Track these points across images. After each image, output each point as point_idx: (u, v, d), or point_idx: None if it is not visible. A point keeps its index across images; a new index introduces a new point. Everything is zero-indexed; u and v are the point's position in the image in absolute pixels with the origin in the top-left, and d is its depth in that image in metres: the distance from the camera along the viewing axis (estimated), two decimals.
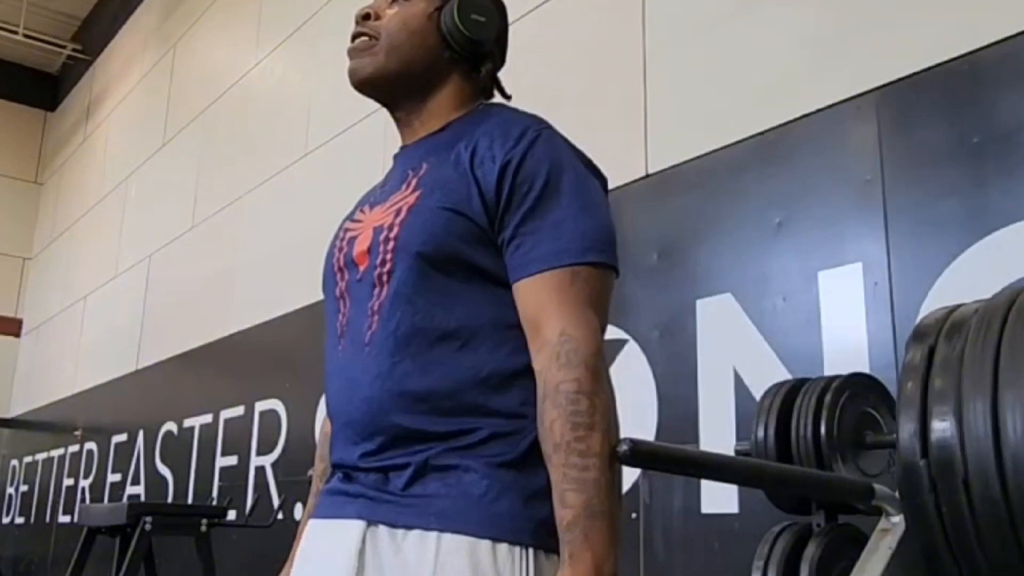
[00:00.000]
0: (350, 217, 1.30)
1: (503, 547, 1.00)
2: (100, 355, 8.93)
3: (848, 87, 2.88)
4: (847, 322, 2.72)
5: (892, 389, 2.09)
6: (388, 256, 1.13)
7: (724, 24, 3.38)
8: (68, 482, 9.06)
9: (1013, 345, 1.22)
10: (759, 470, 1.68)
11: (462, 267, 1.11)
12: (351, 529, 1.06)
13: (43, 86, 12.62)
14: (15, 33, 11.04)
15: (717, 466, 1.42)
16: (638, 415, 3.19)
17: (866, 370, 2.47)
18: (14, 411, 11.41)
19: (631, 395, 3.20)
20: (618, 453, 0.98)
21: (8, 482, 11.21)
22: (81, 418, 9.06)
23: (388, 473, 1.08)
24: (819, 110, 2.96)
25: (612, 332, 3.31)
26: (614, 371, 3.62)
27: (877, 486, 1.47)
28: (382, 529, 1.04)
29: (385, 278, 1.12)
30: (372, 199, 1.29)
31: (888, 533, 1.44)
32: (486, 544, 1.00)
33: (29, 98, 12.55)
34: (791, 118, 3.03)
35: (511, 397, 1.08)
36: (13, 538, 10.53)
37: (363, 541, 1.04)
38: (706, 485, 2.98)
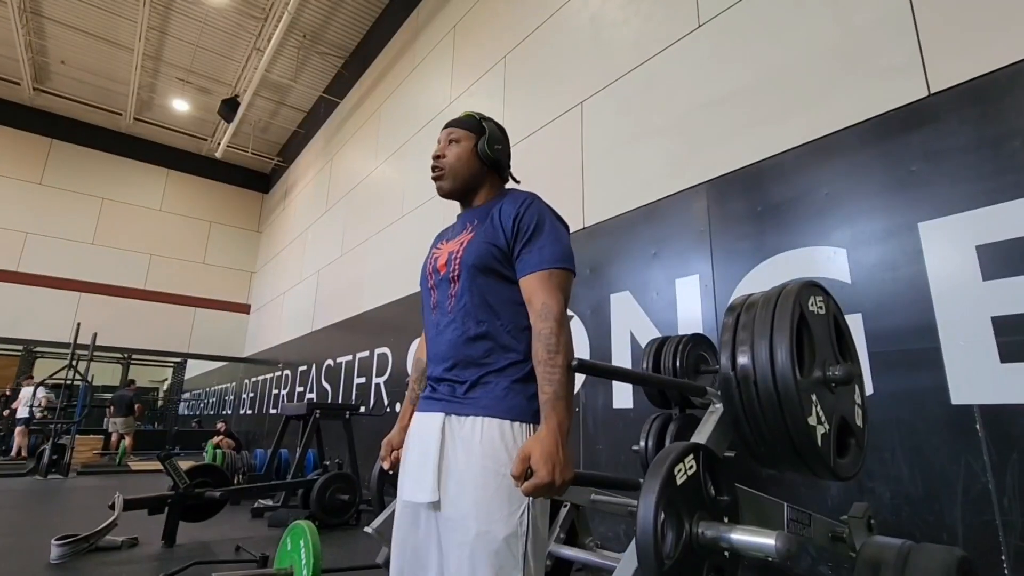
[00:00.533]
0: (434, 246, 1.31)
1: (516, 424, 1.05)
2: (292, 323, 8.94)
3: (691, 181, 2.93)
4: (690, 306, 2.77)
5: (714, 342, 2.10)
6: (456, 267, 1.16)
7: (624, 146, 3.40)
8: (275, 391, 9.08)
9: (780, 315, 1.24)
10: (646, 377, 1.70)
11: (494, 272, 1.13)
12: (437, 418, 1.11)
13: (261, 180, 12.56)
14: (246, 151, 11.04)
15: (623, 374, 1.45)
16: (580, 356, 3.20)
17: (701, 331, 2.49)
18: (247, 353, 11.41)
19: (576, 345, 3.22)
20: (572, 365, 1.01)
21: (243, 391, 11.21)
22: (281, 357, 9.07)
23: (455, 385, 1.11)
24: (676, 193, 3.01)
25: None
26: None
27: (708, 387, 1.48)
28: (453, 417, 1.09)
29: (455, 278, 1.16)
30: (446, 237, 1.29)
31: (714, 413, 1.45)
32: (506, 422, 1.05)
33: (254, 186, 12.49)
34: (660, 197, 3.09)
35: (521, 343, 1.10)
36: (245, 421, 10.53)
37: (443, 423, 1.09)
38: (616, 392, 3.01)
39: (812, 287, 1.36)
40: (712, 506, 1.05)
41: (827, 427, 1.21)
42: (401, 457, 1.23)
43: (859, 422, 1.36)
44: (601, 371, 1.21)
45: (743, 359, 1.25)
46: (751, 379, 1.22)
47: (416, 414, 1.20)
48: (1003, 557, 1.59)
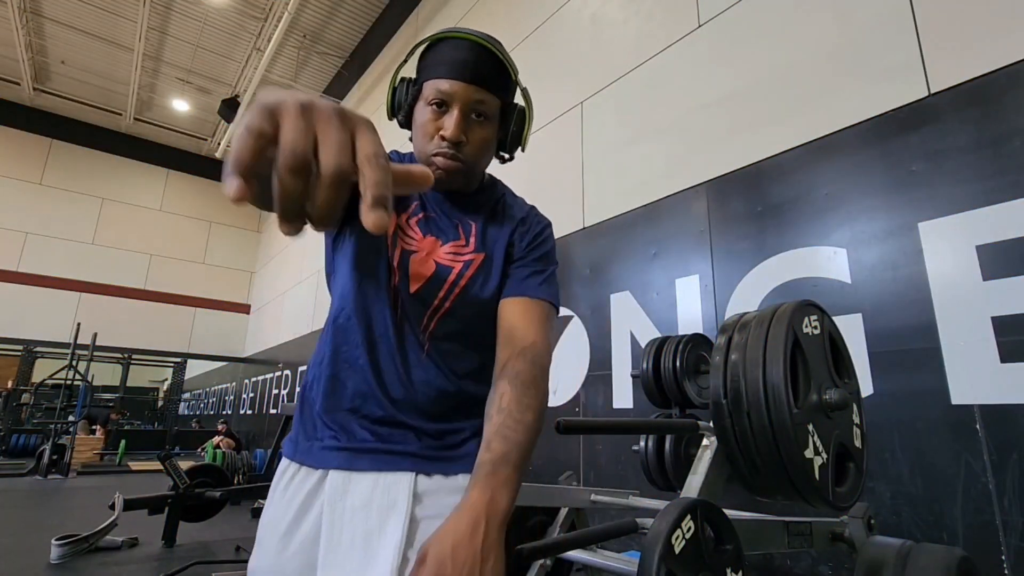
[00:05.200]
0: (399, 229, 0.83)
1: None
2: (292, 323, 8.92)
3: (691, 180, 2.92)
4: (690, 306, 2.76)
5: (714, 341, 2.10)
6: (453, 298, 0.82)
7: (624, 146, 3.40)
8: (275, 391, 9.07)
9: (774, 338, 1.21)
10: (635, 425, 1.68)
11: (496, 305, 0.87)
12: (401, 479, 0.78)
13: None
14: None
15: (610, 427, 1.41)
16: (580, 357, 3.20)
17: (700, 331, 2.49)
18: (247, 353, 11.41)
19: (577, 345, 3.22)
20: (555, 426, 0.90)
21: (244, 391, 11.21)
22: (281, 357, 9.05)
23: (444, 436, 0.82)
24: (675, 193, 3.00)
25: (565, 311, 3.33)
26: (567, 335, 3.62)
27: (700, 422, 1.43)
28: (435, 477, 0.78)
29: (446, 311, 0.82)
30: (417, 220, 0.85)
31: (708, 448, 1.40)
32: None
33: None
34: (660, 197, 3.08)
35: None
36: (246, 421, 10.53)
37: (413, 484, 0.76)
38: (616, 391, 3.01)
39: (805, 308, 1.31)
40: (714, 562, 1.02)
41: (824, 457, 1.18)
42: (296, 534, 0.75)
43: (858, 443, 1.32)
44: (589, 428, 1.17)
45: (734, 384, 1.20)
46: (744, 410, 1.18)
47: (338, 473, 0.76)
48: (1003, 557, 1.59)
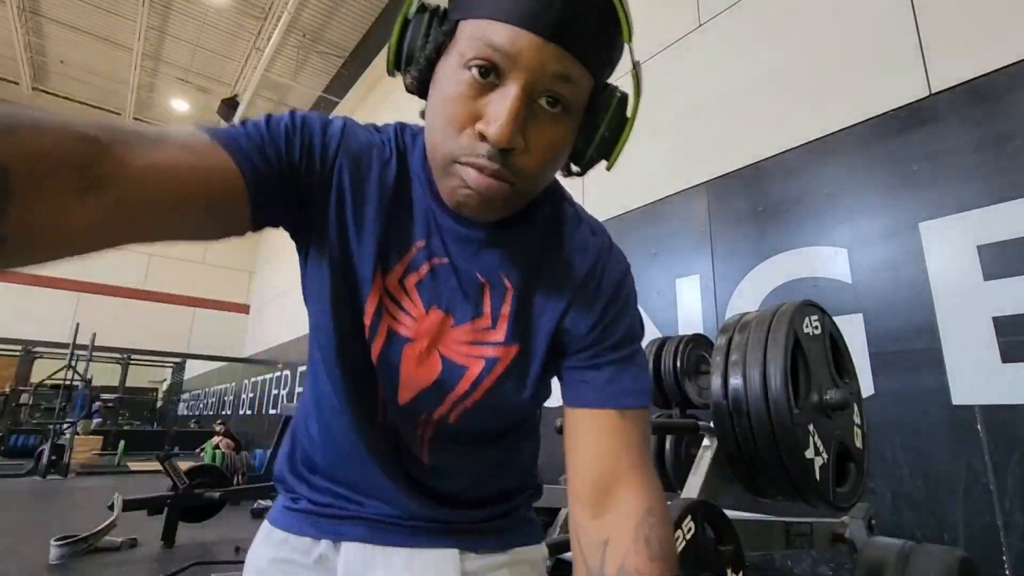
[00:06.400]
0: (388, 297, 0.55)
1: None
2: (292, 323, 8.93)
3: (691, 181, 2.92)
4: (691, 306, 2.76)
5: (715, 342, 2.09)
6: (477, 396, 0.56)
7: (624, 147, 3.38)
8: (274, 391, 9.07)
9: (775, 338, 1.21)
10: None
11: None
12: (447, 555, 0.62)
13: None
14: None
15: None
16: None
17: (701, 331, 2.48)
18: (246, 353, 11.40)
19: None
20: (556, 427, 0.85)
21: (243, 391, 11.21)
22: (281, 357, 9.06)
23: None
24: (676, 193, 3.00)
25: None
26: None
27: (700, 422, 1.38)
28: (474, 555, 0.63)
29: (459, 402, 0.58)
30: (423, 289, 0.54)
31: (708, 448, 1.41)
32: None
33: None
34: (661, 197, 3.09)
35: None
36: (246, 422, 10.53)
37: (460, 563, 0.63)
38: None
39: (806, 308, 1.31)
40: (714, 562, 1.03)
41: (825, 457, 1.19)
42: None
43: (859, 444, 1.33)
44: None
45: (735, 384, 1.21)
46: (744, 410, 1.18)
47: (356, 547, 0.57)
48: (1004, 558, 1.59)
